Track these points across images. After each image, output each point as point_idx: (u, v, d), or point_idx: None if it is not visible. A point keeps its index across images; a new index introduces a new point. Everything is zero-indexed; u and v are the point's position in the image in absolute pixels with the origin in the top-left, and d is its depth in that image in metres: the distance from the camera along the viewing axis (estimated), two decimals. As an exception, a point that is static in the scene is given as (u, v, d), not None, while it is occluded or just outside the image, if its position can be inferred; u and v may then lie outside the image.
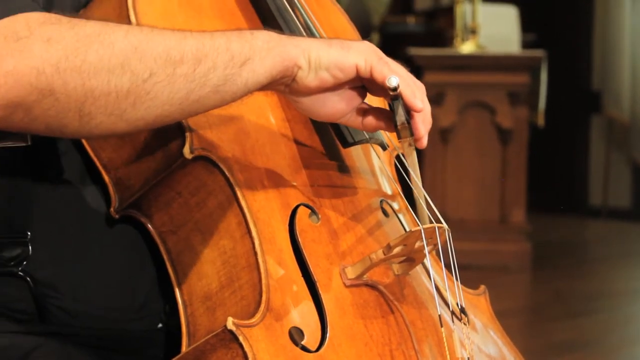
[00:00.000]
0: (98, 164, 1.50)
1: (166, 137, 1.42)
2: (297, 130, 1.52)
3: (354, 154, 1.57)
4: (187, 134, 1.40)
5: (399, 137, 1.40)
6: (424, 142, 1.41)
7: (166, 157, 1.43)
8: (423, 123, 1.40)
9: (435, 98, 5.85)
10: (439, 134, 5.94)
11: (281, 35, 1.36)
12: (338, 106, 1.39)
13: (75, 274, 1.51)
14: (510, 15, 6.66)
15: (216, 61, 1.30)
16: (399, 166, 1.55)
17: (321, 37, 1.57)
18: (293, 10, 1.58)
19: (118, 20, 1.46)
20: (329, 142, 1.54)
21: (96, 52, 1.24)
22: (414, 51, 6.16)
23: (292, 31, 1.54)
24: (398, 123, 1.39)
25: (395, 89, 1.35)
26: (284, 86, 1.36)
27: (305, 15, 1.60)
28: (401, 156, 1.49)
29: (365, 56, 1.36)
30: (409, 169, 1.44)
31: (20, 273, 1.50)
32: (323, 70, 1.34)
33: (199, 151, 1.40)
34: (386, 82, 1.35)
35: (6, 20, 1.25)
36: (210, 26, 1.50)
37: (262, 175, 1.44)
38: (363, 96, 1.41)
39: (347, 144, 1.50)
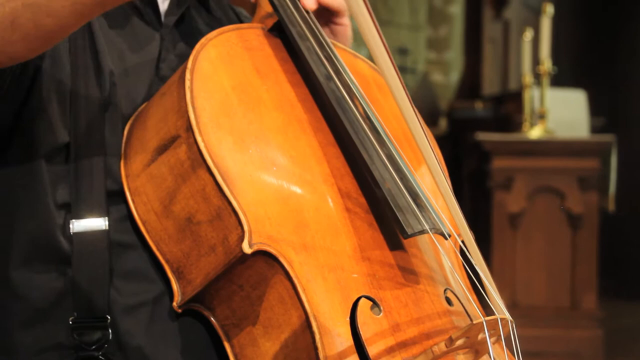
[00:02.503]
0: (160, 257, 1.51)
1: (225, 231, 1.43)
2: (357, 221, 1.51)
3: (416, 244, 1.56)
4: (246, 228, 1.40)
5: None
6: None
7: (226, 252, 1.43)
8: None
9: (504, 183, 5.81)
10: (508, 219, 5.89)
11: None
12: None
13: None
14: (578, 100, 6.63)
15: None
16: (464, 250, 1.54)
17: (383, 128, 1.58)
18: (352, 100, 1.58)
19: (177, 116, 1.48)
20: (390, 233, 1.53)
21: None
22: (482, 136, 6.15)
23: (350, 122, 1.54)
24: None
25: None
26: None
27: (365, 105, 1.60)
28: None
29: None
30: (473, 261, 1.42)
31: (101, 357, 1.53)
32: None
33: (258, 245, 1.40)
34: None
35: None
36: (269, 118, 1.52)
37: (323, 267, 1.43)
38: None
39: (407, 235, 1.49)
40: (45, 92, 1.56)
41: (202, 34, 1.71)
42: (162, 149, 1.51)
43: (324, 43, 1.64)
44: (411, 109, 1.43)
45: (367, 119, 1.57)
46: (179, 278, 1.50)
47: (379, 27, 1.34)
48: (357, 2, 1.33)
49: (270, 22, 1.69)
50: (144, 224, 1.53)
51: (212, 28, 1.77)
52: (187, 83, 1.48)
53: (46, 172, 1.56)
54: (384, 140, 1.55)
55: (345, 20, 1.78)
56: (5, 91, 1.55)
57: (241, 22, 1.91)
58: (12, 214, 1.58)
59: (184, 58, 1.66)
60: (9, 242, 1.57)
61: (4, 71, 1.52)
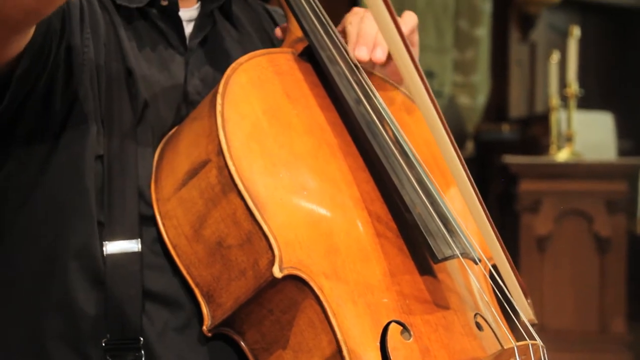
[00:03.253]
0: (190, 281, 1.51)
1: (256, 255, 1.43)
2: (387, 246, 1.51)
3: (446, 269, 1.56)
4: (277, 252, 1.40)
5: None
6: None
7: (256, 276, 1.44)
8: None
9: (532, 206, 5.79)
10: (536, 242, 5.86)
11: None
12: None
13: None
14: (606, 122, 6.61)
15: None
16: (495, 275, 1.53)
17: (412, 152, 1.58)
18: (382, 124, 1.58)
19: (208, 140, 1.49)
20: (420, 257, 1.53)
21: None
22: (509, 159, 6.14)
23: (380, 146, 1.54)
24: None
25: None
26: None
27: (394, 129, 1.60)
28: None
29: None
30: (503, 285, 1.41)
31: None
32: None
33: (289, 270, 1.40)
34: None
35: None
36: (300, 142, 1.52)
37: (353, 292, 1.43)
38: None
39: (437, 260, 1.48)
40: (85, 109, 1.57)
41: (229, 54, 1.72)
42: (193, 173, 1.51)
43: (354, 67, 1.65)
44: (443, 129, 1.43)
45: (397, 143, 1.57)
46: (209, 302, 1.50)
47: (409, 47, 1.34)
48: (387, 24, 1.32)
49: (301, 47, 1.69)
50: (174, 247, 1.53)
51: (241, 45, 1.78)
52: (218, 107, 1.49)
53: (91, 189, 1.56)
54: (414, 165, 1.55)
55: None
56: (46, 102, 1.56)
57: (275, 22, 1.91)
58: (58, 227, 1.58)
59: (207, 82, 1.68)
60: (53, 256, 1.57)
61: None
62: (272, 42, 1.84)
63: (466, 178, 1.45)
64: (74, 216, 1.57)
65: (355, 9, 1.77)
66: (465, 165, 1.46)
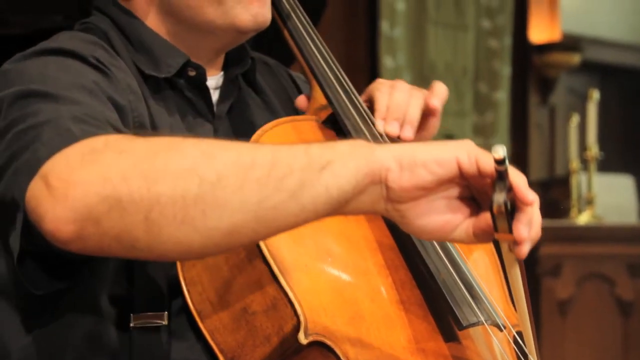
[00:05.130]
0: (214, 347, 1.51)
1: (281, 321, 1.44)
2: (412, 312, 1.51)
3: (470, 335, 1.56)
4: (302, 319, 1.41)
5: (495, 229, 1.26)
6: (524, 249, 1.26)
7: (281, 342, 1.44)
8: (527, 225, 1.26)
9: (553, 270, 5.77)
10: (557, 306, 5.83)
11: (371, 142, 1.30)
12: (444, 217, 1.28)
13: None
14: (626, 185, 6.60)
15: (292, 164, 1.22)
16: (519, 341, 1.53)
17: (470, 272, 1.56)
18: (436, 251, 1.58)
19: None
20: (445, 324, 1.53)
21: (163, 158, 1.22)
22: (530, 222, 6.12)
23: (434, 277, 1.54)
24: (494, 204, 1.21)
25: (502, 162, 1.21)
26: (380, 199, 1.26)
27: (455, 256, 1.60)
28: (499, 264, 1.43)
29: (468, 150, 1.26)
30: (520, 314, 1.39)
31: None
32: (419, 167, 1.24)
33: (314, 336, 1.40)
34: (485, 164, 1.23)
35: (89, 139, 1.29)
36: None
37: (378, 358, 1.44)
38: (470, 206, 1.30)
39: (462, 327, 1.49)
40: None
41: (254, 121, 1.73)
42: (218, 239, 1.52)
43: (378, 136, 1.66)
44: None
45: (454, 264, 1.57)
46: None
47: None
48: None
49: (324, 114, 1.71)
50: (198, 313, 1.54)
51: (266, 111, 1.79)
52: None
53: (111, 270, 1.55)
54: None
55: (438, 121, 1.76)
56: None
57: (298, 88, 1.92)
58: (67, 313, 1.55)
59: None
60: (63, 343, 1.56)
61: None
62: (295, 109, 1.86)
63: (493, 247, 1.45)
64: (83, 297, 1.55)
65: (380, 80, 1.78)
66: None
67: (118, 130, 1.40)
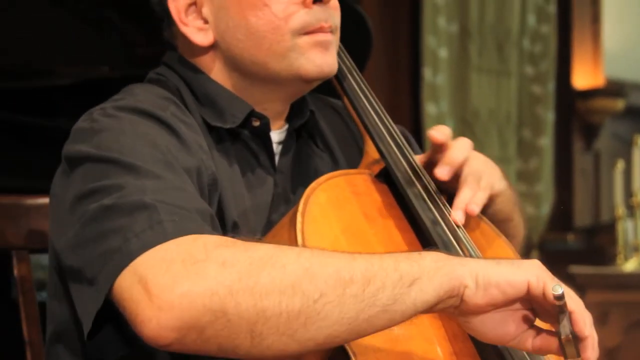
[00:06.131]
0: None
1: None
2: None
3: None
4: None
5: (564, 356, 1.37)
6: None
7: None
8: (592, 349, 1.37)
9: (599, 318, 5.72)
10: (605, 354, 5.77)
11: (449, 255, 1.39)
12: (507, 328, 1.39)
13: None
14: (673, 232, 6.54)
15: (385, 281, 1.32)
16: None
17: None
18: (459, 245, 1.61)
19: None
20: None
21: (268, 274, 1.29)
22: (576, 269, 6.08)
23: None
24: (562, 335, 1.34)
25: (560, 298, 1.32)
26: (452, 308, 1.37)
27: (470, 249, 1.62)
28: None
29: (537, 273, 1.36)
30: None
31: None
32: (493, 287, 1.35)
33: None
34: (551, 290, 1.33)
35: (185, 243, 1.33)
36: None
37: None
38: (532, 319, 1.40)
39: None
40: None
41: (312, 172, 1.74)
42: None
43: (430, 189, 1.68)
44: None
45: None
46: None
47: None
48: None
49: (377, 168, 1.73)
50: None
51: (324, 160, 1.82)
52: (299, 225, 1.52)
53: None
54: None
55: None
56: None
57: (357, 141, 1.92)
58: None
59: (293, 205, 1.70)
60: None
61: None
62: (359, 148, 1.87)
63: None
64: None
65: (468, 156, 1.76)
66: None
67: (203, 215, 1.43)
